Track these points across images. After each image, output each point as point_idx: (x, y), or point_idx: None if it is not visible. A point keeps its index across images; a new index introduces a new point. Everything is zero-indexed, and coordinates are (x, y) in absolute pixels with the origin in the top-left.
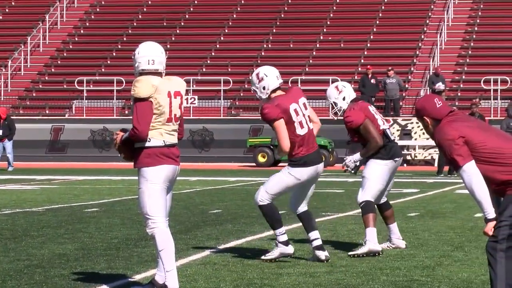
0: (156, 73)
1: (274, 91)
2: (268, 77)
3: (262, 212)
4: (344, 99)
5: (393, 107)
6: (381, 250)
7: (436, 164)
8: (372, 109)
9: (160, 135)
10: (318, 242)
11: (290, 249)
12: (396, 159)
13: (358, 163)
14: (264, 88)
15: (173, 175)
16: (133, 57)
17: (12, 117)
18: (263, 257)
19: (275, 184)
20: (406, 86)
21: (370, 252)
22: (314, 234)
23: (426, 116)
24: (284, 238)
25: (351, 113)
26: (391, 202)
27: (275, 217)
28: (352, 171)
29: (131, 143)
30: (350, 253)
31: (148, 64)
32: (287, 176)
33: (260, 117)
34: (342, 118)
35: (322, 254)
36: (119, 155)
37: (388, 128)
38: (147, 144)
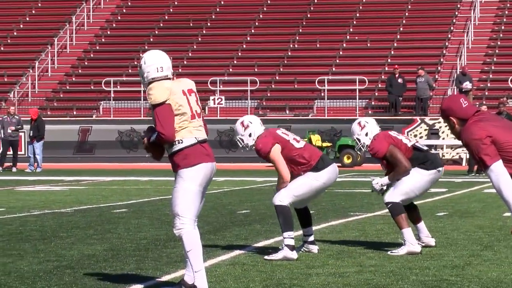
0: (166, 79)
1: None
2: (253, 124)
3: (277, 212)
4: (366, 134)
5: (422, 106)
6: (420, 251)
7: (465, 163)
8: (393, 133)
9: (189, 133)
10: (312, 238)
11: (294, 255)
12: (439, 169)
13: (385, 187)
14: (250, 135)
15: (211, 174)
16: (139, 68)
17: (43, 118)
18: (265, 257)
19: (299, 186)
20: (433, 85)
21: (409, 253)
22: (310, 230)
23: (452, 117)
24: (291, 242)
25: (374, 144)
26: (419, 202)
27: (289, 219)
28: (379, 193)
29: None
30: (390, 252)
31: (157, 72)
32: (313, 181)
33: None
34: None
35: (315, 248)
36: (147, 154)
37: (417, 142)
38: (181, 146)
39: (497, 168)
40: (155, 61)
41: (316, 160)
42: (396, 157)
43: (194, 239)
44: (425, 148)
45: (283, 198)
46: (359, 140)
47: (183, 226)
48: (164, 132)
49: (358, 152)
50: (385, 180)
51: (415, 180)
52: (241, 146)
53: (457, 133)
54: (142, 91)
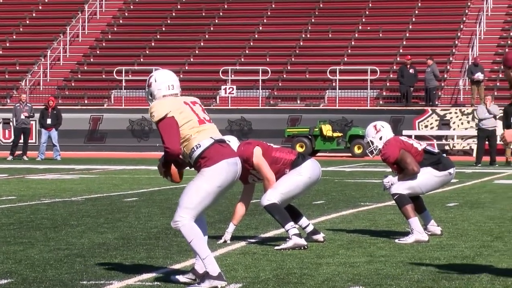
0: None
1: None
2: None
3: (269, 211)
4: (380, 138)
5: (429, 96)
6: (428, 240)
7: (474, 154)
8: (403, 138)
9: (205, 134)
10: (311, 227)
11: (303, 241)
12: (450, 171)
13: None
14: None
15: (235, 176)
16: (148, 87)
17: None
18: (276, 247)
19: (285, 183)
20: (445, 76)
21: (417, 241)
22: (305, 221)
23: None
24: (296, 231)
25: (386, 150)
26: (430, 193)
27: (284, 212)
28: (386, 190)
29: (174, 161)
30: (397, 240)
31: (169, 90)
32: (297, 176)
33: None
34: (377, 156)
35: (320, 236)
36: (167, 179)
37: (427, 146)
38: (200, 150)
39: None
40: (166, 79)
41: (295, 156)
42: (406, 161)
43: (192, 228)
44: (437, 151)
45: (271, 197)
46: (372, 142)
47: (181, 220)
48: (169, 146)
49: (369, 154)
50: (395, 180)
51: (425, 177)
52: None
53: None
54: None
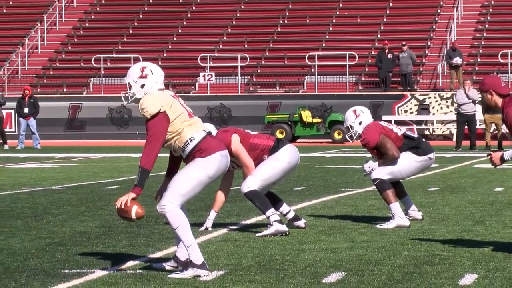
0: None
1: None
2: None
3: (249, 198)
4: (360, 123)
5: (407, 81)
6: (409, 225)
7: (454, 139)
8: (383, 123)
9: (196, 127)
10: (293, 213)
11: (284, 227)
12: (430, 156)
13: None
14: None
15: (225, 168)
16: (142, 78)
17: (35, 96)
18: (258, 234)
19: (264, 169)
20: (423, 60)
21: (398, 226)
22: (286, 208)
23: (492, 90)
24: (277, 217)
25: (366, 135)
26: (410, 178)
27: (264, 199)
28: (367, 175)
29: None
30: (378, 226)
31: (162, 84)
32: (276, 162)
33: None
34: (357, 141)
35: (301, 223)
36: (129, 215)
37: (407, 131)
38: (195, 142)
39: None
40: (161, 73)
41: (273, 142)
42: (386, 146)
43: (178, 215)
44: (416, 136)
45: (251, 183)
46: (351, 127)
47: (168, 205)
48: (145, 163)
49: (349, 139)
50: (375, 165)
51: (405, 162)
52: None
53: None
54: None
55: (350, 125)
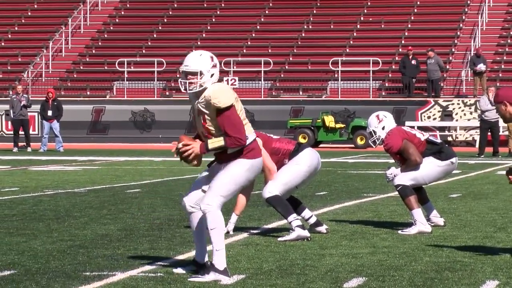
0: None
1: None
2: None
3: (271, 204)
4: (383, 128)
5: (434, 88)
6: (431, 231)
7: (477, 146)
8: (406, 128)
9: (249, 127)
10: (314, 218)
11: (307, 233)
12: (452, 160)
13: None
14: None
15: (259, 172)
16: (213, 67)
17: (59, 98)
18: (279, 239)
19: (285, 174)
20: (447, 67)
21: (420, 233)
22: (307, 213)
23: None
24: (298, 222)
25: (389, 140)
26: (433, 184)
27: (286, 205)
28: (390, 182)
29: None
30: (400, 231)
31: None
32: (295, 166)
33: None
34: (380, 146)
35: (323, 228)
36: (189, 164)
37: (430, 136)
38: (248, 141)
39: None
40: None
41: (294, 146)
42: (409, 152)
43: (219, 217)
44: (439, 141)
45: (272, 189)
46: (374, 132)
47: (212, 204)
48: (242, 138)
49: (372, 144)
50: (398, 171)
51: (427, 168)
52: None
53: (506, 115)
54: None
55: (373, 130)
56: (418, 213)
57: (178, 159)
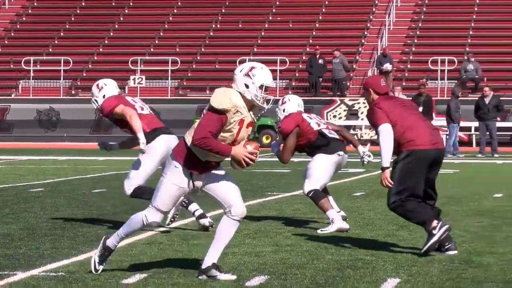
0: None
1: None
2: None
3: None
4: (284, 111)
5: (339, 87)
6: (348, 228)
7: None
8: (305, 115)
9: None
10: (200, 211)
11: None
12: (339, 153)
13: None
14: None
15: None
16: (249, 77)
17: None
18: (319, 231)
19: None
20: (354, 66)
21: (339, 230)
22: (194, 206)
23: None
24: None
25: (283, 122)
26: (337, 182)
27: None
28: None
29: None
30: (319, 231)
31: None
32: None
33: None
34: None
35: (206, 221)
36: (240, 168)
37: (326, 128)
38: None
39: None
40: None
41: (149, 129)
42: (286, 144)
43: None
44: (331, 135)
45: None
46: (96, 101)
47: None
48: (196, 137)
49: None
50: (367, 150)
51: (323, 165)
52: None
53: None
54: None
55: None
56: (332, 213)
57: (244, 165)
